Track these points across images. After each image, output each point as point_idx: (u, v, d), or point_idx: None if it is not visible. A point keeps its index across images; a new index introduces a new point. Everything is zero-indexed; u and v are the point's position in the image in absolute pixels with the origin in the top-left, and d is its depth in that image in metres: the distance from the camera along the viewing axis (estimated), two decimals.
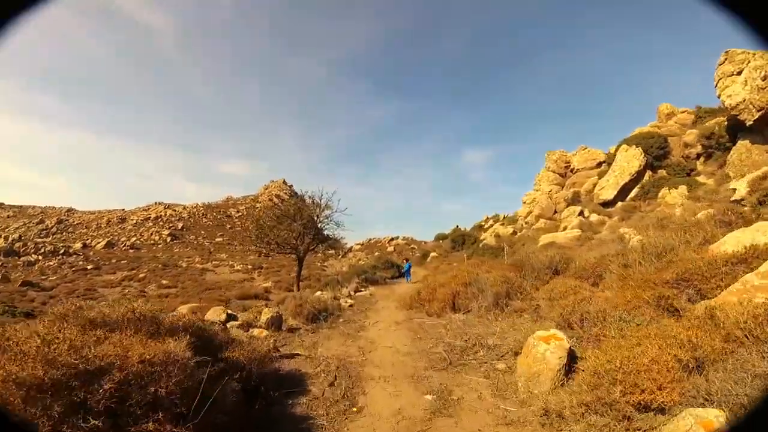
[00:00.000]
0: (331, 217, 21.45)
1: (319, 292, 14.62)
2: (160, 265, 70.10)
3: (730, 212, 13.02)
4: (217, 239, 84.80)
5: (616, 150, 30.53)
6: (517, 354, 7.68)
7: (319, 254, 70.84)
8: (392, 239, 66.94)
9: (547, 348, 6.34)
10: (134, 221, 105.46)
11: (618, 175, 27.71)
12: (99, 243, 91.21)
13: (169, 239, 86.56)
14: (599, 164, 36.09)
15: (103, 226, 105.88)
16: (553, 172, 40.05)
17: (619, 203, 27.14)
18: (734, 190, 17.42)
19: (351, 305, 14.16)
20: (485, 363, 7.55)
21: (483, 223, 52.87)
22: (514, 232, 35.57)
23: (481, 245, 27.59)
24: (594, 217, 25.35)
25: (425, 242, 60.32)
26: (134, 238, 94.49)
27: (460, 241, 37.69)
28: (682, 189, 22.51)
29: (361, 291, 17.86)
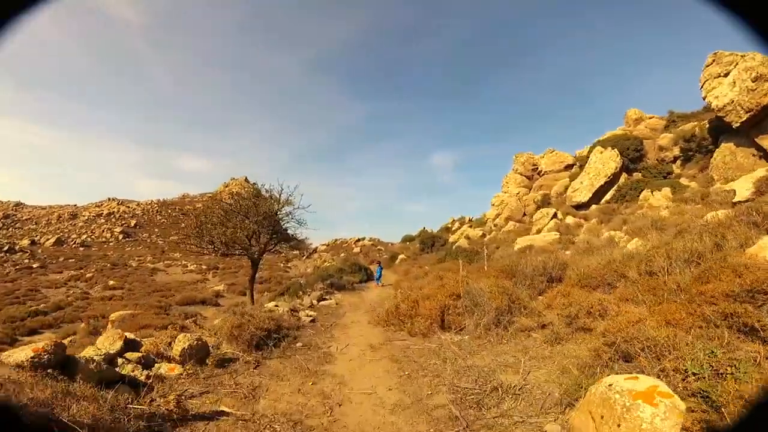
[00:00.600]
0: (293, 215, 18.13)
1: (272, 303, 11.38)
2: (109, 265, 64.29)
3: (755, 212, 10.92)
4: (171, 237, 78.67)
5: (589, 152, 28.84)
6: (569, 406, 4.87)
7: (282, 254, 66.65)
8: (358, 240, 63.64)
9: (654, 412, 3.51)
10: (86, 217, 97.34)
11: (593, 177, 25.90)
12: (48, 240, 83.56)
13: (121, 237, 79.80)
14: (567, 167, 34.55)
15: (53, 222, 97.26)
16: (521, 174, 38.31)
17: (594, 206, 25.31)
18: (733, 191, 15.63)
19: (313, 320, 11.00)
20: (521, 422, 4.66)
21: (449, 225, 50.71)
22: (483, 235, 33.37)
23: (453, 248, 25.09)
24: (570, 220, 23.32)
25: (392, 244, 57.51)
26: (85, 236, 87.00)
27: (430, 242, 35.12)
28: (666, 191, 20.78)
29: (325, 299, 14.70)
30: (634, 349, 5.68)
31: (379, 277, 22.57)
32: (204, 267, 53.05)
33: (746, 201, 14.29)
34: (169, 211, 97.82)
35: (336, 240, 67.93)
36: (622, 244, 16.91)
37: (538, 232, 23.63)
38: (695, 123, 28.87)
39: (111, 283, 48.24)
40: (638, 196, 23.72)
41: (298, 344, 8.40)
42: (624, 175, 25.96)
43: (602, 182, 25.33)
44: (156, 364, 5.92)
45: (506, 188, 37.40)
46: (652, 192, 21.38)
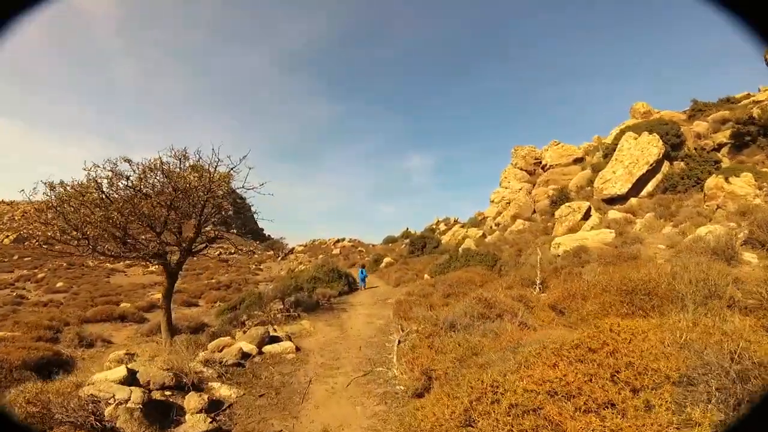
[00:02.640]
0: (238, 196, 10.87)
1: (117, 375, 4.15)
2: (64, 264, 54.85)
3: None
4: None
5: (615, 139, 22.61)
6: None
7: (256, 255, 58.01)
8: (338, 241, 55.85)
9: None
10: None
11: (630, 166, 19.51)
12: (8, 237, 72.74)
13: None
14: (576, 161, 28.37)
15: (17, 218, 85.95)
16: (521, 169, 31.88)
17: (633, 198, 18.92)
18: None
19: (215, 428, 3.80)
20: None
21: (434, 226, 44.06)
22: (484, 235, 26.67)
23: (460, 250, 18.38)
24: (615, 215, 16.78)
25: (373, 245, 50.11)
26: (51, 233, 76.32)
27: (420, 244, 28.18)
28: (748, 177, 14.51)
29: (277, 338, 7.35)
30: None
31: (363, 279, 18.70)
32: None
33: None
34: None
35: (314, 240, 59.98)
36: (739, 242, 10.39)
37: (571, 230, 16.98)
38: (724, 111, 23.38)
39: (59, 285, 39.41)
40: (694, 185, 17.52)
41: None
42: (666, 164, 19.72)
43: (644, 171, 18.95)
44: None
45: (506, 183, 30.85)
46: (726, 179, 15.04)
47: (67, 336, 13.93)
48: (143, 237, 10.12)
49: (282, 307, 10.44)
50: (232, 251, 58.47)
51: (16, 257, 59.32)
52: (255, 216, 52.98)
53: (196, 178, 9.67)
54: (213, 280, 32.48)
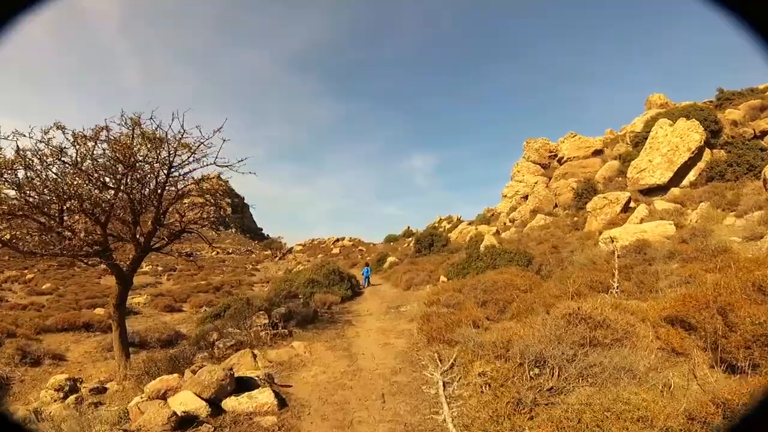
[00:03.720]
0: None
1: None
2: (55, 264, 51.71)
3: None
4: None
5: (646, 127, 20.08)
6: None
7: (253, 255, 55.12)
8: (337, 240, 52.99)
9: None
10: None
11: (669, 153, 16.90)
12: (4, 236, 69.61)
13: None
14: (595, 153, 25.89)
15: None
16: (534, 162, 29.29)
17: (675, 189, 16.34)
18: None
19: None
20: None
21: (436, 224, 41.56)
22: (498, 232, 24.05)
23: (482, 249, 15.67)
24: (664, 205, 14.17)
25: (374, 244, 47.36)
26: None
27: (427, 242, 25.49)
28: None
29: (251, 381, 4.65)
30: None
31: (367, 278, 18.67)
32: (160, 269, 41.66)
33: None
34: None
35: (313, 240, 57.11)
36: None
37: (612, 223, 14.38)
38: (756, 99, 21.08)
39: (45, 286, 36.31)
40: (746, 173, 15.02)
41: None
42: (708, 151, 17.13)
43: (686, 158, 16.35)
44: None
45: (519, 177, 28.20)
46: None
47: (7, 351, 11.19)
48: (81, 227, 7.46)
49: (268, 321, 7.71)
50: (230, 251, 55.58)
51: (6, 258, 56.15)
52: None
53: (147, 149, 7.01)
54: (204, 282, 29.70)
